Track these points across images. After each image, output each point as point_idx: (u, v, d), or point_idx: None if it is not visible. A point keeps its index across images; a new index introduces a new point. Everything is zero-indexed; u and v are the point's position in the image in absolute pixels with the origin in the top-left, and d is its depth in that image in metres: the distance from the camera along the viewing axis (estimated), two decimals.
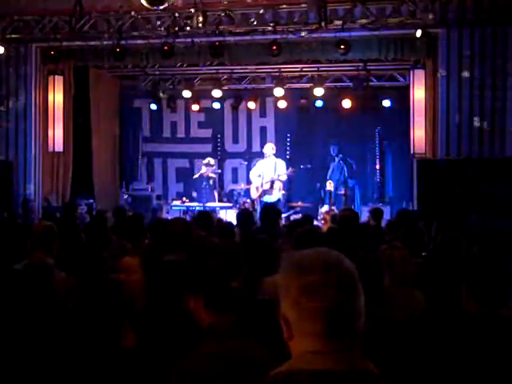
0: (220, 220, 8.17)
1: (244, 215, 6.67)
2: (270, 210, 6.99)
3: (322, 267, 1.50)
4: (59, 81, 12.05)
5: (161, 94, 14.36)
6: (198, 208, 11.89)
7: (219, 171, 13.63)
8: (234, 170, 14.83)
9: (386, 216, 9.77)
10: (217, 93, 13.49)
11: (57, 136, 12.06)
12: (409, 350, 2.87)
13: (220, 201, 12.59)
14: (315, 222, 9.06)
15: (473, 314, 2.81)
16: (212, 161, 12.60)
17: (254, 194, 12.22)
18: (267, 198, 11.88)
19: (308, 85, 13.57)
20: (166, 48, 10.33)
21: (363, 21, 9.74)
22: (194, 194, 12.17)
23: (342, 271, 1.51)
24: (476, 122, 9.80)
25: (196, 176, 12.66)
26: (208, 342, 2.32)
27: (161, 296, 3.72)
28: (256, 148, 14.59)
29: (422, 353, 2.79)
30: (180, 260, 4.10)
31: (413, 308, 3.55)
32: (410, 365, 2.76)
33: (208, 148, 14.86)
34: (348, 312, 1.49)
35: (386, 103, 13.14)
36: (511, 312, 2.89)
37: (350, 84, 13.41)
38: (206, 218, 6.33)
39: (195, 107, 14.46)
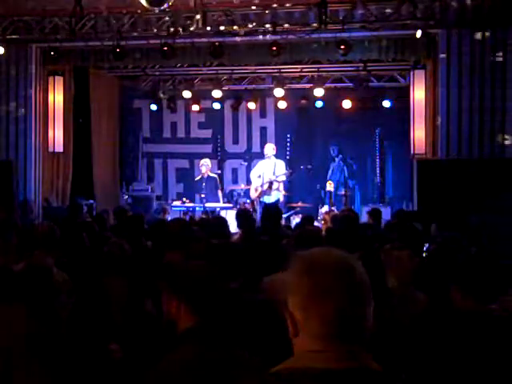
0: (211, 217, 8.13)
1: (243, 216, 6.64)
2: (271, 210, 6.99)
3: (334, 271, 1.49)
4: (59, 81, 12.06)
5: (161, 95, 14.36)
6: (198, 208, 11.90)
7: (219, 172, 13.64)
8: (234, 171, 14.83)
9: (387, 216, 9.77)
10: (217, 93, 13.48)
11: (57, 136, 12.07)
12: (411, 349, 2.87)
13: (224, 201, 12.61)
14: (315, 223, 9.07)
15: (466, 311, 2.82)
16: (207, 161, 12.61)
17: (253, 195, 12.24)
18: (266, 199, 11.89)
19: (308, 85, 13.57)
20: (166, 48, 10.32)
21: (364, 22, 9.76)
22: (202, 195, 12.06)
23: (354, 276, 1.50)
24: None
25: (198, 178, 12.66)
26: (185, 347, 2.23)
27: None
28: (256, 148, 14.60)
29: (423, 352, 2.80)
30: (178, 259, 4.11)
31: (415, 308, 3.55)
32: (411, 364, 2.77)
33: (208, 148, 14.86)
34: (356, 318, 1.48)
35: (386, 104, 13.13)
36: (502, 306, 2.91)
37: (350, 84, 13.40)
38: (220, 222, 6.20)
39: (195, 108, 14.45)
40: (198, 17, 9.73)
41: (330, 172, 13.14)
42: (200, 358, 2.16)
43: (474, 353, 2.63)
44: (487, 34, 9.78)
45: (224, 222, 6.14)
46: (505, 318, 2.84)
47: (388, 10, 9.73)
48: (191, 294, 2.33)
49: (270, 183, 12.03)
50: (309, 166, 12.76)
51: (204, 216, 10.39)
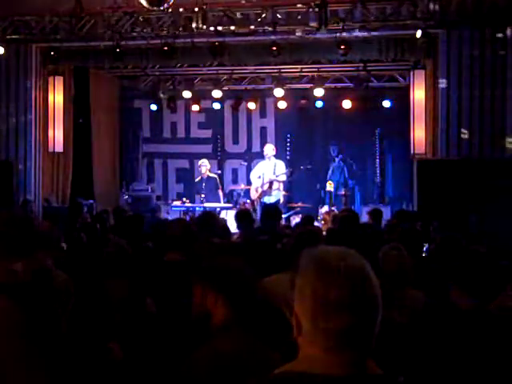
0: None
1: (243, 216, 6.64)
2: (271, 210, 6.99)
3: (349, 284, 1.41)
4: (59, 81, 12.06)
5: (161, 95, 14.35)
6: (198, 209, 11.91)
7: (219, 172, 13.64)
8: (234, 171, 14.83)
9: (387, 216, 9.76)
10: (217, 93, 13.48)
11: (57, 136, 12.07)
12: (410, 350, 2.87)
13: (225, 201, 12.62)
14: (315, 223, 9.07)
15: (465, 310, 2.83)
16: (206, 161, 12.63)
17: (254, 195, 12.25)
18: (266, 199, 11.90)
19: (308, 85, 13.57)
20: (166, 48, 10.33)
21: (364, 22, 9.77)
22: (202, 196, 12.07)
23: (369, 291, 1.43)
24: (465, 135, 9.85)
25: (197, 179, 12.66)
26: (223, 338, 2.35)
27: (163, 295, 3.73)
28: (256, 148, 14.59)
29: (422, 352, 2.80)
30: (183, 260, 4.11)
31: (412, 308, 3.55)
32: (410, 365, 2.76)
33: (208, 148, 14.86)
34: (365, 331, 1.44)
35: (386, 104, 13.13)
36: (501, 305, 2.92)
37: (350, 84, 13.41)
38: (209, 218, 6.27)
39: (195, 108, 14.44)
40: (198, 17, 9.73)
41: (329, 172, 13.14)
42: (237, 348, 2.28)
43: (473, 352, 2.64)
44: (487, 33, 9.78)
45: (212, 215, 6.18)
46: (504, 317, 2.84)
47: (388, 10, 9.74)
48: (234, 289, 2.45)
49: (271, 183, 12.04)
50: (308, 166, 12.75)
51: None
